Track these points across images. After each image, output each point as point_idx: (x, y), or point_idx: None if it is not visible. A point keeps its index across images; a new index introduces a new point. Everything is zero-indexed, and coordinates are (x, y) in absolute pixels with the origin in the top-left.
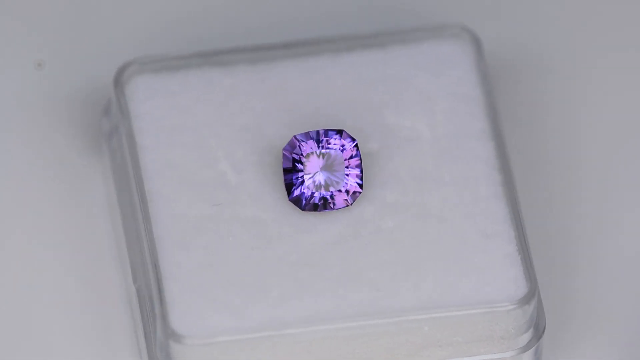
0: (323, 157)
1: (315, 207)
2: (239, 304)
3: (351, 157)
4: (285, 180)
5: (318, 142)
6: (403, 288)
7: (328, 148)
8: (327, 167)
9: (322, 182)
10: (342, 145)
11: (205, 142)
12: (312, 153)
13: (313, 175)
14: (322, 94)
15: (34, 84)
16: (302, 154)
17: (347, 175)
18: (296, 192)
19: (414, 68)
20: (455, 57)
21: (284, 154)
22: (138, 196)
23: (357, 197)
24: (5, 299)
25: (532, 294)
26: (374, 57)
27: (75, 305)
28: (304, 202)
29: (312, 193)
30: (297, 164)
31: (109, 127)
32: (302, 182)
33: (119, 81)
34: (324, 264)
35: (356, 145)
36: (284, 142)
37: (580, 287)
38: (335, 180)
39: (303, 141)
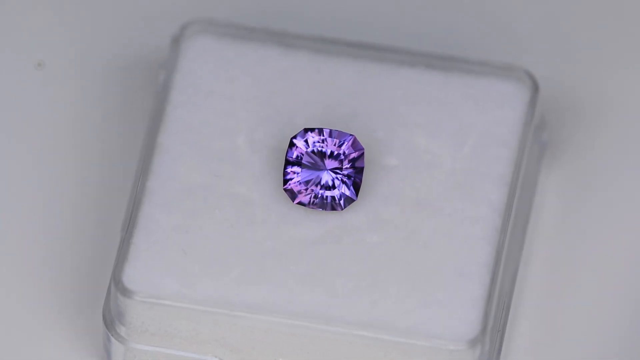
0: (327, 157)
1: (307, 203)
2: (195, 274)
3: (355, 164)
4: (284, 169)
5: (327, 141)
6: (359, 302)
7: (335, 149)
8: (329, 168)
9: (320, 181)
10: (349, 150)
11: (234, 114)
12: (318, 150)
13: (313, 172)
14: (366, 100)
15: (100, 36)
16: (308, 149)
17: (346, 180)
18: (291, 184)
19: (463, 98)
20: (506, 98)
21: (290, 144)
22: (148, 147)
23: (350, 203)
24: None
25: (481, 339)
26: (431, 79)
27: (72, 244)
28: (297, 195)
29: (307, 189)
30: (301, 157)
31: (162, 80)
32: (301, 175)
33: (178, 36)
34: (294, 259)
35: (362, 154)
36: None
37: (559, 343)
38: (333, 182)
39: (313, 136)
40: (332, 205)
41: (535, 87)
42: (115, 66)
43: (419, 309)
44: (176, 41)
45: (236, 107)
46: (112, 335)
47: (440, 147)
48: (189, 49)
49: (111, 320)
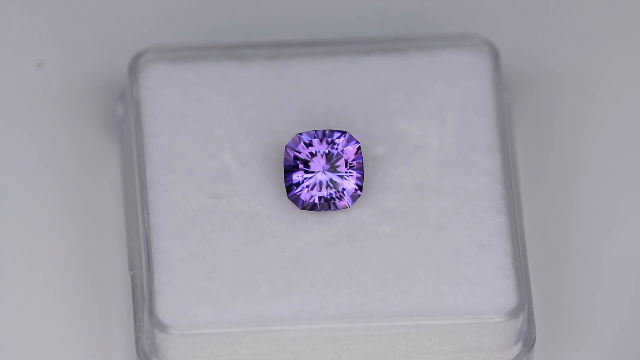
0: (325, 157)
1: (313, 207)
2: (225, 297)
3: (353, 160)
4: (285, 177)
5: (322, 141)
6: (391, 293)
7: (331, 149)
8: (329, 168)
9: (323, 182)
10: (345, 147)
11: (212, 133)
12: (315, 152)
13: (314, 175)
14: (336, 95)
15: (54, 69)
16: (304, 153)
17: (348, 177)
18: (295, 191)
19: (430, 76)
20: (472, 68)
21: (286, 152)
22: (139, 183)
23: (356, 199)
24: (7, 273)
25: (522, 307)
26: (392, 62)
27: (72, 290)
28: (302, 200)
29: (312, 192)
30: (298, 162)
31: (122, 113)
32: (303, 180)
33: (133, 68)
34: (315, 263)
35: (359, 148)
36: None
37: (577, 300)
38: (335, 181)
39: (307, 139)
40: (338, 204)
41: (495, 53)
42: (68, 99)
43: (452, 289)
44: (132, 72)
45: (212, 126)
46: None
47: (423, 129)
48: (148, 78)
49: (147, 359)
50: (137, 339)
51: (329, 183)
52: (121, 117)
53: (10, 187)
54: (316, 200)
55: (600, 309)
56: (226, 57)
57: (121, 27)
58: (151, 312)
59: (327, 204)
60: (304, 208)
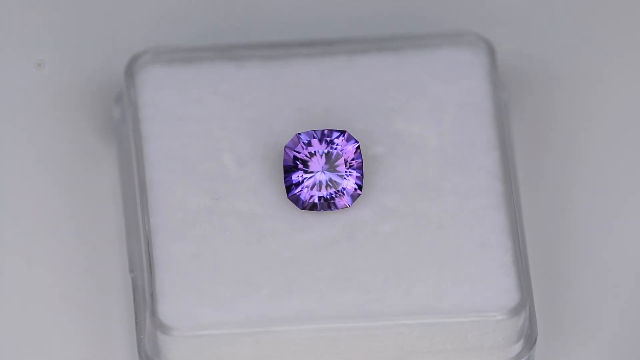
0: (324, 157)
1: (313, 207)
2: (228, 299)
3: (353, 159)
4: (285, 178)
5: (321, 141)
6: (393, 292)
7: (330, 148)
8: (328, 168)
9: (322, 182)
10: (345, 147)
11: (211, 134)
12: (314, 152)
13: (313, 175)
14: (333, 94)
15: (49, 73)
16: (304, 153)
17: (348, 176)
18: (295, 191)
19: (427, 74)
20: (469, 66)
21: (285, 152)
22: (139, 184)
23: (356, 199)
24: (7, 277)
25: (523, 305)
26: (388, 61)
27: (73, 292)
28: (302, 201)
29: (312, 192)
30: (298, 162)
31: (119, 116)
32: (302, 180)
33: (130, 70)
34: (316, 263)
35: (358, 147)
36: None
37: (578, 298)
38: (335, 181)
39: (306, 139)
40: (338, 204)
41: (491, 50)
42: (66, 101)
43: (453, 288)
44: (129, 74)
45: (211, 127)
46: None
47: (421, 127)
48: (145, 80)
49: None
50: (139, 341)
51: (329, 183)
52: (118, 120)
53: (8, 189)
54: (316, 200)
55: (602, 306)
56: (223, 58)
57: (117, 29)
58: (153, 313)
59: (327, 203)
60: (303, 208)
